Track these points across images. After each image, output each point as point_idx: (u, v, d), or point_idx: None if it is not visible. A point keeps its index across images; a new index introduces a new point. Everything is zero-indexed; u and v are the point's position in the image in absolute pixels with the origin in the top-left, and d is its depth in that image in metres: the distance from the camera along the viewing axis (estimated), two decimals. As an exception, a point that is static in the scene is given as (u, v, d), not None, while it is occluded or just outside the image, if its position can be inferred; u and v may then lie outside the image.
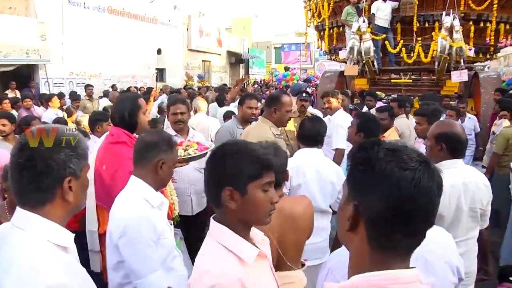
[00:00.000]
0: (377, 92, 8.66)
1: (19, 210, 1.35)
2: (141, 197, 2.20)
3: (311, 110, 6.38)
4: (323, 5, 10.55)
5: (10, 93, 11.58)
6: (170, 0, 21.77)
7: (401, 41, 8.76)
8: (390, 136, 4.40)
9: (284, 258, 2.11)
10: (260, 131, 3.67)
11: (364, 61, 8.79)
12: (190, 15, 24.85)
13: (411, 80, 9.05)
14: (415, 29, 8.70)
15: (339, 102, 5.74)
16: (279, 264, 2.11)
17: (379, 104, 7.08)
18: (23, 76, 13.72)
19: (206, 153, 3.27)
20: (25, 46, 13.16)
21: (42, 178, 1.32)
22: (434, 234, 1.69)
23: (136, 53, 18.47)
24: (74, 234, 1.45)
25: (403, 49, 8.63)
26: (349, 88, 10.44)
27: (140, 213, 2.14)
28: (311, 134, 3.30)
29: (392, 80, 9.25)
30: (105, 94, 12.00)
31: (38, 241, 1.30)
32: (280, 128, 4.05)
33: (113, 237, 2.16)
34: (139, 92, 12.90)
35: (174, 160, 2.39)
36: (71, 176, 1.37)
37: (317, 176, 3.18)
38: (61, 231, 1.38)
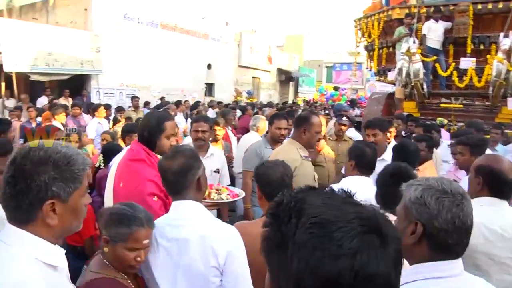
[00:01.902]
0: (439, 118, 8.23)
1: (7, 226, 1.31)
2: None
3: (349, 133, 6.16)
4: (373, 25, 10.31)
5: (63, 101, 12.25)
6: (222, 17, 22.09)
7: (453, 63, 8.31)
8: (426, 169, 3.95)
9: None
10: (288, 153, 3.61)
11: (412, 84, 8.40)
12: (242, 32, 25.17)
13: (461, 106, 8.52)
14: (469, 51, 8.24)
15: (389, 134, 4.81)
16: None
17: (445, 134, 6.54)
18: (77, 85, 14.37)
19: (237, 200, 3.26)
20: (80, 57, 13.81)
21: (22, 197, 1.27)
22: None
23: (186, 67, 18.80)
24: (64, 251, 1.39)
25: (455, 72, 8.18)
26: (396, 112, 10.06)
27: None
28: (372, 162, 3.19)
29: (441, 105, 8.75)
30: (159, 107, 12.13)
31: (25, 258, 1.25)
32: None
33: None
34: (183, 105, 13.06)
35: None
36: (55, 200, 1.29)
37: None
38: (50, 249, 1.32)
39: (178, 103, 12.88)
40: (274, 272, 0.79)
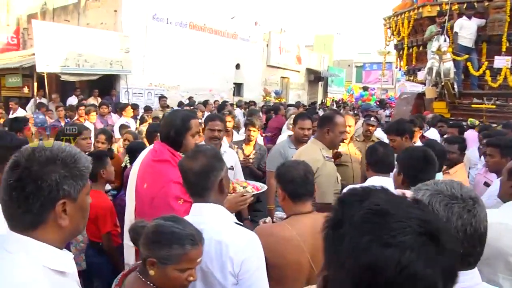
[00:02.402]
0: (470, 119, 7.96)
1: (11, 233, 1.26)
2: None
3: (377, 134, 6.04)
4: (402, 23, 10.09)
5: (92, 100, 12.47)
6: (251, 17, 22.11)
7: (486, 62, 8.00)
8: (457, 173, 3.79)
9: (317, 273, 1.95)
10: (310, 153, 3.57)
11: (442, 83, 8.15)
12: (271, 32, 25.08)
13: (494, 106, 8.19)
14: (504, 49, 7.91)
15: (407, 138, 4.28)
16: (310, 277, 2.19)
17: (473, 133, 6.29)
18: (106, 85, 14.64)
19: (260, 192, 3.18)
20: (110, 57, 14.03)
21: (32, 200, 1.21)
22: None
23: (215, 67, 18.85)
24: (72, 255, 1.35)
25: (488, 71, 7.88)
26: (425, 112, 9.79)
27: None
28: (387, 160, 3.15)
29: (473, 105, 8.43)
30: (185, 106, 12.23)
31: (27, 262, 1.20)
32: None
33: None
34: (213, 105, 13.16)
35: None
36: (66, 199, 1.26)
37: None
38: (57, 254, 1.28)
39: (206, 103, 12.98)
40: (326, 254, 0.82)
